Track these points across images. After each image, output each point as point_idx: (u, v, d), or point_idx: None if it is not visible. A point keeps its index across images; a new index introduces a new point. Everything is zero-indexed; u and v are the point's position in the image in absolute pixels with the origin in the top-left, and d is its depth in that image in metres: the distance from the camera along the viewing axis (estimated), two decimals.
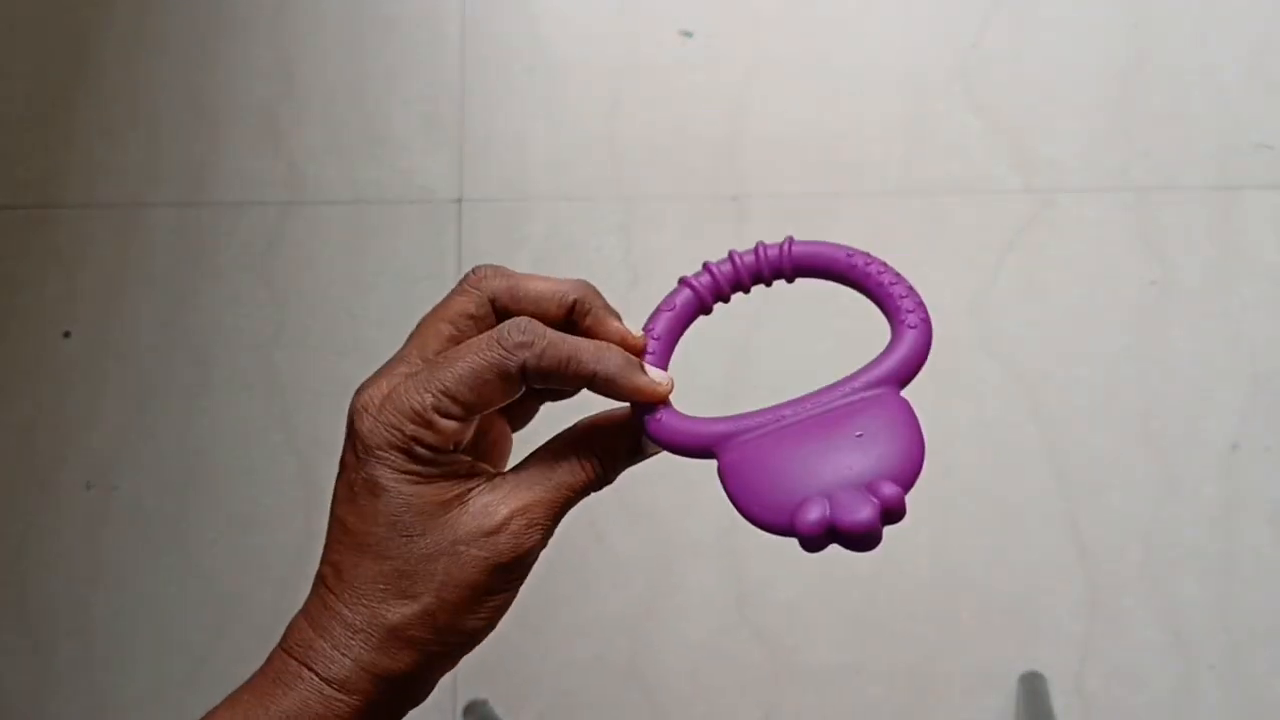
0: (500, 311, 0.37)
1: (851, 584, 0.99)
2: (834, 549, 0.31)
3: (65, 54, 1.13)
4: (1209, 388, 0.99)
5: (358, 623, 0.33)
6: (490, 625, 0.35)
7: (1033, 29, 1.05)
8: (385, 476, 0.33)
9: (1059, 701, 0.94)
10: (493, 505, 0.34)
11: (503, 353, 0.33)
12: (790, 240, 0.37)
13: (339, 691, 0.33)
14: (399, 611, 0.33)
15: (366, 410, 0.33)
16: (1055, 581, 0.98)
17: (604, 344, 0.36)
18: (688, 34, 1.08)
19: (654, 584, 1.01)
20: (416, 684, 0.34)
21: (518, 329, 0.33)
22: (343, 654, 0.33)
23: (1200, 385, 0.99)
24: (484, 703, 0.98)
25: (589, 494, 0.36)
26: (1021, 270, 1.02)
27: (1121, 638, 0.97)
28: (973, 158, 1.03)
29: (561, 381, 0.34)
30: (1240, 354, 0.99)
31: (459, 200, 1.08)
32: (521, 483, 0.35)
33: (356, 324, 1.07)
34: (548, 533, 0.35)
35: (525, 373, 0.33)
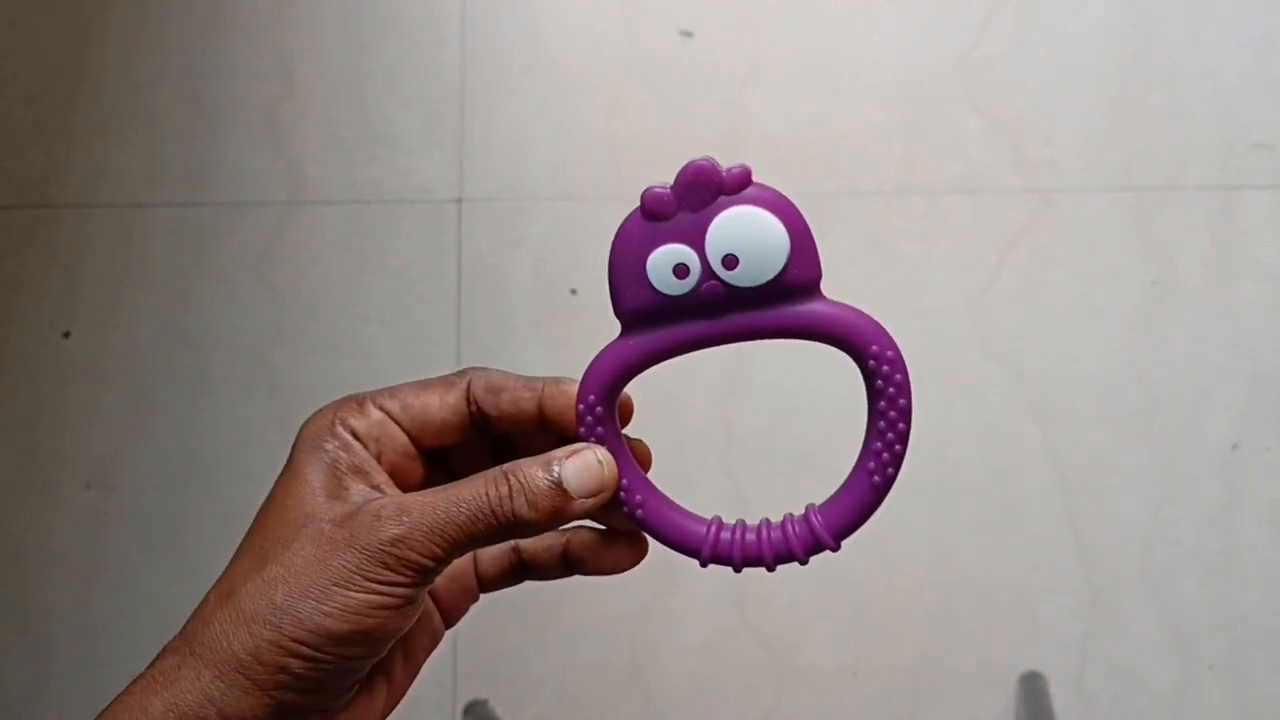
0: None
1: (851, 585, 0.99)
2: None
3: (65, 54, 1.13)
4: (1209, 388, 0.99)
5: (210, 601, 0.32)
6: (355, 635, 0.31)
7: (1033, 29, 1.05)
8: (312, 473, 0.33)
9: (1059, 701, 0.94)
10: (376, 505, 0.32)
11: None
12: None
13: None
14: (246, 579, 0.32)
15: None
16: (1055, 581, 0.98)
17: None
18: (688, 34, 1.08)
19: (654, 585, 1.01)
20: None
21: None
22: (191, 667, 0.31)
23: (1200, 385, 0.99)
24: (484, 703, 0.98)
25: (498, 531, 0.32)
26: (1021, 270, 1.02)
27: (1121, 638, 0.97)
28: (973, 158, 1.03)
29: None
30: (1240, 354, 0.99)
31: (459, 200, 1.08)
32: (420, 494, 0.33)
33: (356, 324, 1.07)
34: (436, 561, 0.32)
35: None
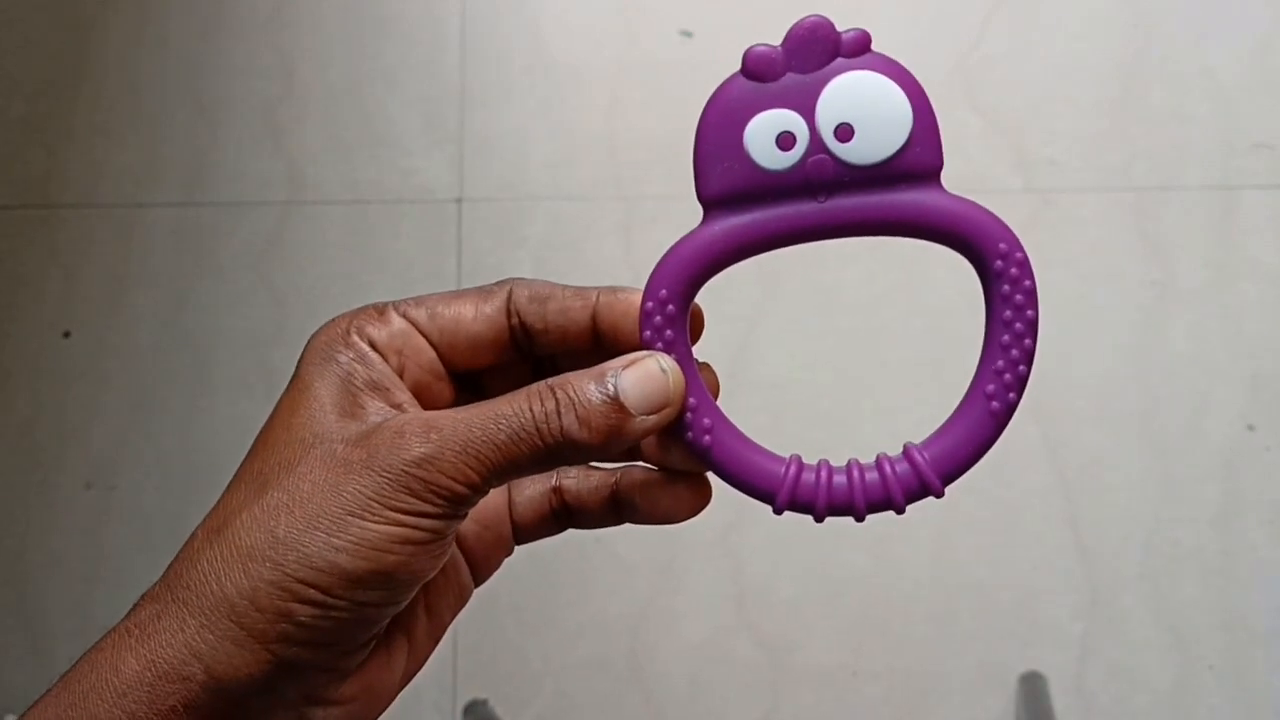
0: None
1: (851, 584, 0.99)
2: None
3: (65, 54, 1.13)
4: (1209, 388, 0.99)
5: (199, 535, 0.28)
6: (373, 575, 0.26)
7: (1033, 29, 1.05)
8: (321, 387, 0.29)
9: (1059, 701, 0.94)
10: (398, 422, 0.27)
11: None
12: None
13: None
14: (241, 509, 0.27)
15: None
16: (1055, 581, 0.98)
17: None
18: (688, 34, 1.08)
19: (654, 584, 1.01)
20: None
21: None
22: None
23: (1200, 385, 0.99)
24: (484, 703, 0.98)
25: (544, 455, 0.27)
26: None
27: (1121, 638, 0.97)
28: (973, 158, 1.03)
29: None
30: (1240, 354, 0.99)
31: (459, 200, 1.08)
32: (451, 410, 0.28)
33: None
34: (475, 488, 0.27)
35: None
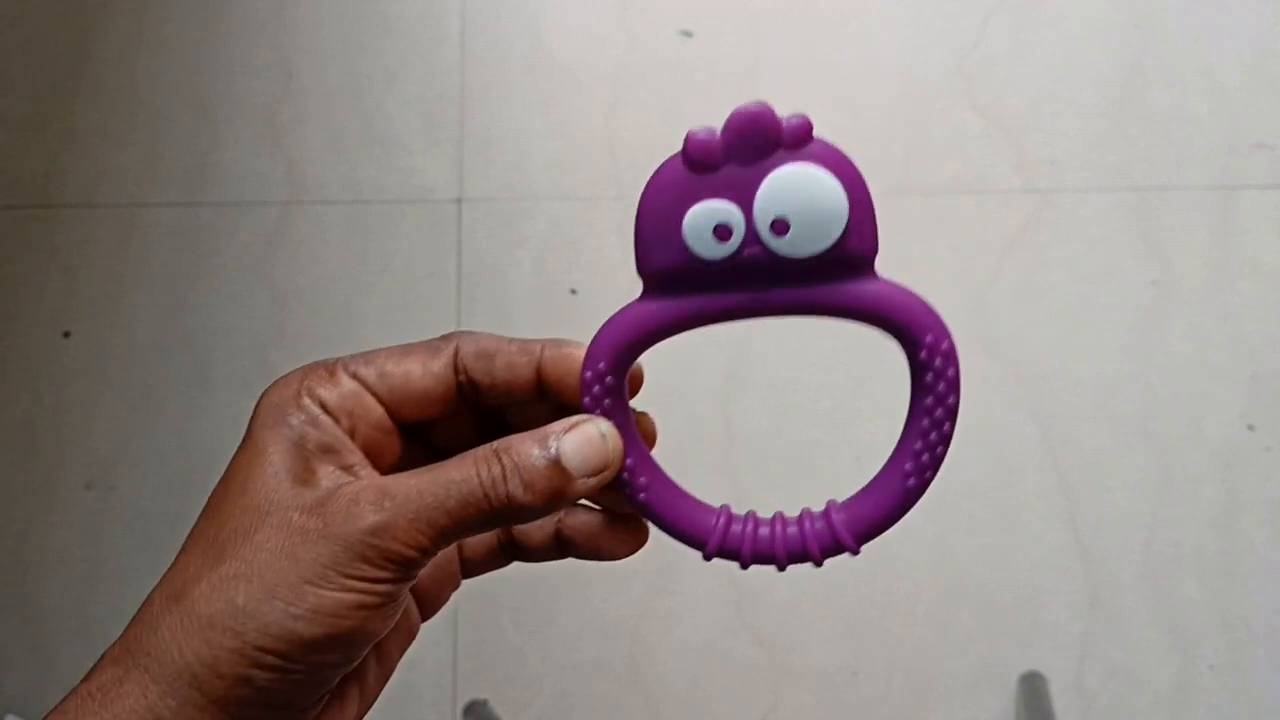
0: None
1: (850, 585, 0.99)
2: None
3: (65, 54, 1.13)
4: (1209, 388, 0.99)
5: (156, 601, 0.28)
6: (330, 640, 0.27)
7: (1033, 29, 1.05)
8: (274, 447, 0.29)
9: (1059, 701, 0.94)
10: (352, 489, 0.28)
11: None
12: None
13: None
14: (199, 577, 0.27)
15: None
16: (1055, 581, 0.98)
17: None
18: (688, 34, 1.08)
19: (653, 586, 1.01)
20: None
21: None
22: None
23: (1200, 385, 0.99)
24: (484, 703, 0.98)
25: (492, 517, 0.28)
26: (1021, 270, 1.01)
27: (1121, 638, 0.97)
28: (973, 158, 1.03)
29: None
30: (1240, 354, 0.99)
31: (459, 200, 1.08)
32: (402, 476, 0.29)
33: (356, 324, 1.07)
34: (423, 549, 0.28)
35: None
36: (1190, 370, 0.99)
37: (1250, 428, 0.98)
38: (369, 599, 0.27)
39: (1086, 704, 0.96)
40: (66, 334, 1.09)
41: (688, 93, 1.06)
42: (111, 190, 1.11)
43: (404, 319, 1.06)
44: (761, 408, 1.01)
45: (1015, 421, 0.99)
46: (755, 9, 1.07)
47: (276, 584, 0.27)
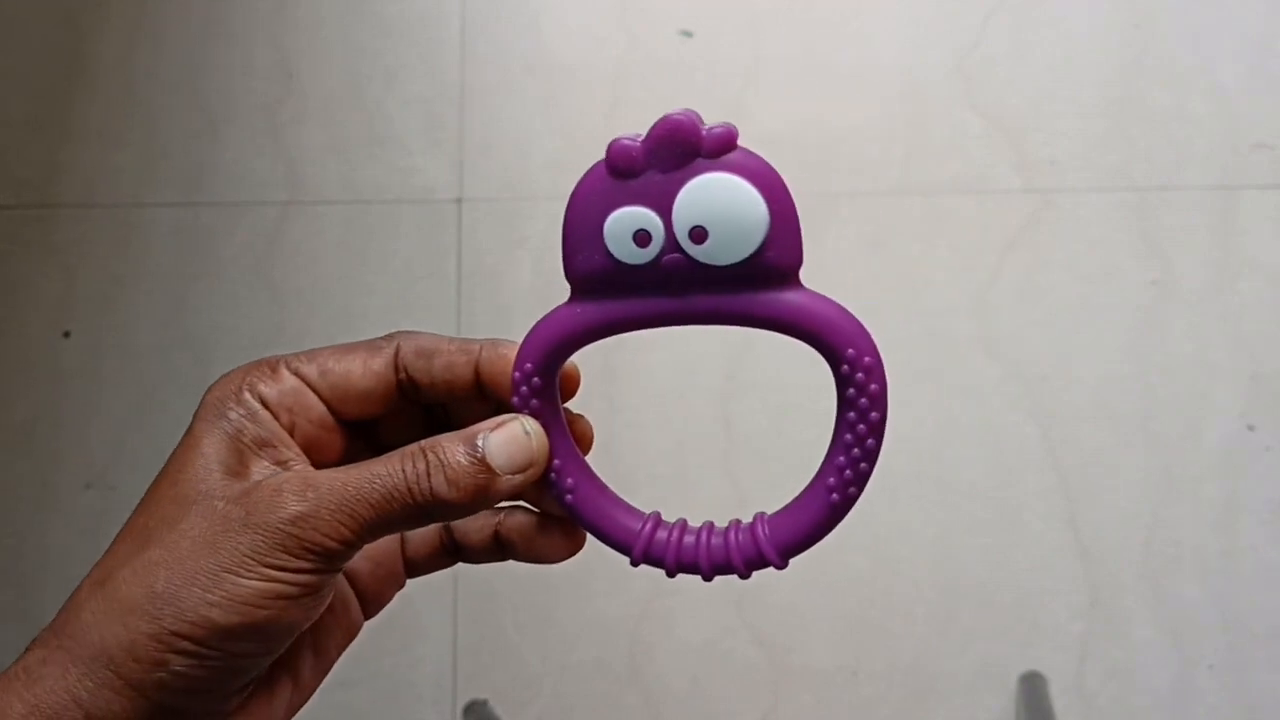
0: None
1: (850, 584, 0.99)
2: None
3: (65, 54, 1.13)
4: (1209, 388, 0.99)
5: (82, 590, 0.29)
6: (245, 629, 0.27)
7: (1033, 29, 1.05)
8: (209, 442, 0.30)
9: (1059, 701, 0.94)
10: (277, 480, 0.28)
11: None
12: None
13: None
14: (123, 563, 0.28)
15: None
16: (1055, 581, 0.98)
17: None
18: (688, 34, 1.08)
19: (653, 586, 1.01)
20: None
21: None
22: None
23: (1200, 385, 0.99)
24: (484, 703, 0.98)
25: (416, 512, 0.28)
26: (1021, 270, 1.01)
27: (1121, 638, 0.97)
28: (973, 158, 1.03)
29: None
30: (1240, 354, 0.99)
31: (459, 200, 1.08)
32: (330, 470, 0.29)
33: (356, 324, 1.07)
34: (347, 542, 0.28)
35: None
36: (1190, 370, 0.99)
37: (1250, 428, 0.98)
38: (288, 589, 0.27)
39: (1086, 704, 0.96)
40: (66, 334, 1.09)
41: (688, 93, 1.06)
42: (111, 190, 1.11)
43: (404, 319, 1.06)
44: (761, 408, 1.01)
45: (1015, 421, 0.99)
46: (755, 9, 1.07)
47: (196, 571, 0.27)
